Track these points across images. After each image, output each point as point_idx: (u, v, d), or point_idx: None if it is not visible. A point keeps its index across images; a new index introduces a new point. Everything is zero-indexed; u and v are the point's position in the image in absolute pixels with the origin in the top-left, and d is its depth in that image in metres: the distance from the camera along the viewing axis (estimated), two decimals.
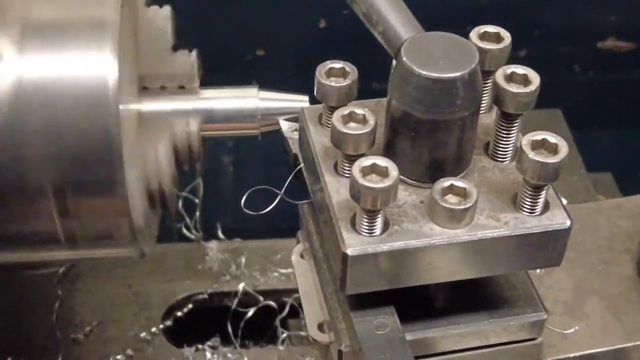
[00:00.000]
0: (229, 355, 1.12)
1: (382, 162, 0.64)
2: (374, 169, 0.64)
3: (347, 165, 0.69)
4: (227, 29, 1.45)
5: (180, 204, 1.18)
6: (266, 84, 0.88)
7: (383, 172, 0.63)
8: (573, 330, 0.79)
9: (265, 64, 1.47)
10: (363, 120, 0.67)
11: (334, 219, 0.67)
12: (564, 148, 0.64)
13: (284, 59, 1.47)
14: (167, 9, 0.87)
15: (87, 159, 0.73)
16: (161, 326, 1.13)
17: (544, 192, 0.66)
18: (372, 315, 0.70)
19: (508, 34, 0.72)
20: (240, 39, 1.46)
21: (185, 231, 1.23)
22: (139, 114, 0.82)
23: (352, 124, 0.67)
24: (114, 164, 0.73)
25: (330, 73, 0.72)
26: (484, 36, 0.72)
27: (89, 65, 0.73)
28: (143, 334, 1.12)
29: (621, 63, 1.57)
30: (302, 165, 0.77)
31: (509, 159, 0.71)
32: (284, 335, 1.14)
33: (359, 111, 0.67)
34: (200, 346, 1.12)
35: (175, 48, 0.87)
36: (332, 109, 0.72)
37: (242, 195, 0.78)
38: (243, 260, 1.21)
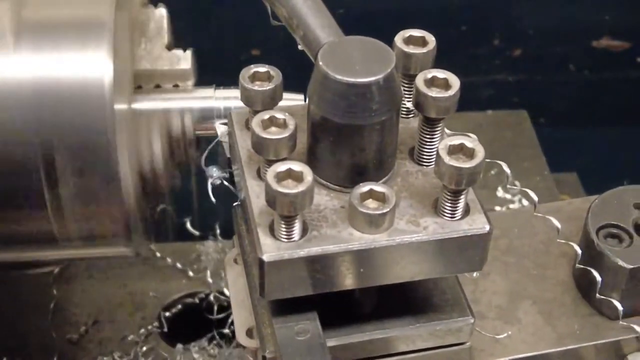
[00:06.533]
0: (216, 352, 1.11)
1: (297, 167, 0.63)
2: (290, 174, 0.63)
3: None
4: (223, 29, 1.45)
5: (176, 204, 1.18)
6: None
7: (298, 177, 0.63)
8: (505, 335, 0.79)
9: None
10: (283, 125, 0.67)
11: (253, 224, 0.66)
12: (480, 153, 0.64)
13: (279, 59, 1.46)
14: (162, 9, 0.87)
15: (83, 158, 0.73)
16: (155, 323, 1.13)
17: (462, 196, 0.66)
18: (294, 321, 0.69)
19: (433, 38, 0.72)
20: (236, 39, 1.45)
21: (188, 226, 1.23)
22: (133, 112, 0.83)
23: (273, 129, 0.67)
24: (109, 162, 0.74)
25: (254, 77, 0.72)
26: (409, 40, 0.71)
27: (84, 65, 0.73)
28: (138, 334, 1.12)
29: (616, 62, 1.57)
30: (233, 169, 0.77)
31: (432, 163, 0.70)
32: None
33: (280, 116, 0.67)
34: (192, 345, 1.12)
35: (171, 47, 0.87)
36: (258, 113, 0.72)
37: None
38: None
